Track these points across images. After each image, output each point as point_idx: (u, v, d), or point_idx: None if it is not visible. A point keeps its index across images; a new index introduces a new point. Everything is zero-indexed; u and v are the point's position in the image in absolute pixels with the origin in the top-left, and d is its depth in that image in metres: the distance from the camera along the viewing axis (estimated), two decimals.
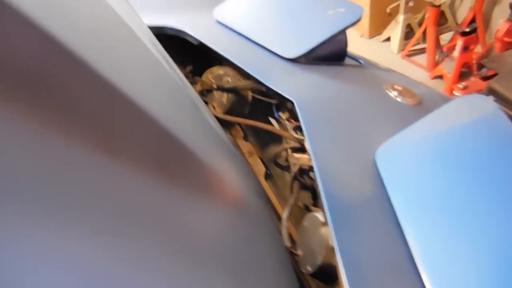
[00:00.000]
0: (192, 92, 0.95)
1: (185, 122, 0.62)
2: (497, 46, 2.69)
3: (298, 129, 1.06)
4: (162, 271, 0.34)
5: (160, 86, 0.60)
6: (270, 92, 1.09)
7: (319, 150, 0.77)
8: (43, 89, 0.29)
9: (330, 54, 1.18)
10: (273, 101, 1.13)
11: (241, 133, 1.53)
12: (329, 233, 0.70)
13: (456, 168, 0.67)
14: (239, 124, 1.49)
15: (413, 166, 0.72)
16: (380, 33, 3.83)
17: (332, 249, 0.71)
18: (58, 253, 0.27)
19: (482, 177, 0.65)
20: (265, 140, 1.39)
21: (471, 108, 0.77)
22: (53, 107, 0.31)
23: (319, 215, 0.79)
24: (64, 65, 0.32)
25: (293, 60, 1.12)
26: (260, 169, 1.39)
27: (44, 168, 0.29)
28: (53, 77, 0.31)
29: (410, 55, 3.48)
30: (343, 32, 1.16)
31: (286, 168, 1.20)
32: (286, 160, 1.18)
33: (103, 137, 0.36)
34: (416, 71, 3.27)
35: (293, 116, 1.09)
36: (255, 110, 1.29)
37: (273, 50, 1.16)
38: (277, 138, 1.35)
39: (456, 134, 0.72)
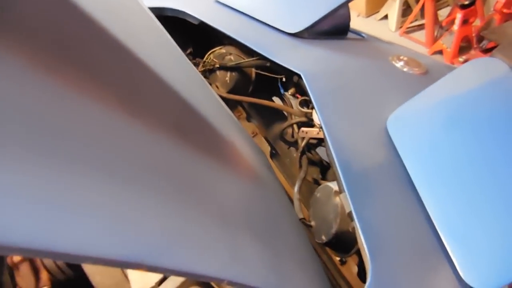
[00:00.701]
0: (197, 72, 0.95)
1: (200, 97, 0.62)
2: (497, 18, 2.67)
3: (304, 103, 1.06)
4: (191, 225, 0.34)
5: (175, 64, 0.60)
6: (274, 68, 1.08)
7: (329, 120, 0.77)
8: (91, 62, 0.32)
9: (333, 28, 1.17)
10: (278, 77, 1.12)
11: (244, 114, 1.52)
12: (343, 201, 0.70)
13: (470, 130, 0.67)
14: (242, 105, 1.48)
15: (426, 131, 0.72)
16: (377, 12, 3.79)
17: (346, 217, 0.72)
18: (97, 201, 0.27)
19: (497, 137, 0.65)
20: (269, 118, 1.38)
21: (482, 71, 0.77)
22: (90, 73, 0.32)
23: (331, 185, 0.80)
24: (103, 45, 0.35)
25: (296, 35, 1.11)
26: (265, 148, 1.39)
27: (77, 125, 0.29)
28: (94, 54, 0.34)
29: (408, 32, 3.45)
30: (345, 5, 1.15)
31: (293, 144, 1.20)
32: (292, 136, 1.18)
33: (127, 100, 0.36)
34: (415, 47, 3.25)
35: (299, 90, 1.08)
36: (258, 89, 1.28)
37: (275, 25, 1.14)
38: (281, 116, 1.34)
39: (468, 97, 0.72)
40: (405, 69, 1.00)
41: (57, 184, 0.23)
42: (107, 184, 0.27)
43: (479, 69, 0.78)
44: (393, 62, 1.02)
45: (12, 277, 0.88)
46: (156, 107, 0.41)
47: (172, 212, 0.33)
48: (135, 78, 0.38)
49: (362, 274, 0.90)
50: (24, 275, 0.90)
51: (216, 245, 0.36)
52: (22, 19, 0.27)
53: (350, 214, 0.66)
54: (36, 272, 0.90)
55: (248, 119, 1.49)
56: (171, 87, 0.45)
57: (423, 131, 0.73)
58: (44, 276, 0.89)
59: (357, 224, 0.62)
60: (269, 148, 1.38)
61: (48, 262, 0.89)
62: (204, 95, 0.71)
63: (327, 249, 0.94)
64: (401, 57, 1.04)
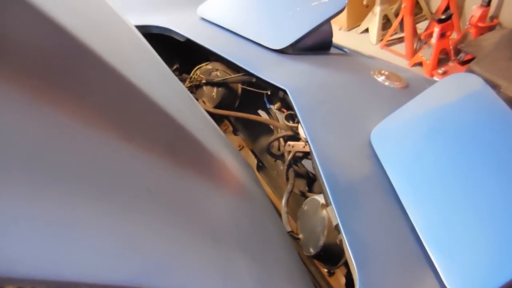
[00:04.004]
0: (184, 88, 0.96)
1: (188, 113, 0.63)
2: (472, 31, 2.78)
3: (290, 117, 1.08)
4: (186, 246, 0.35)
5: (164, 81, 0.62)
6: (260, 84, 1.10)
7: (315, 134, 0.79)
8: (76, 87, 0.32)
9: (316, 44, 1.20)
10: (264, 92, 1.15)
11: (230, 128, 1.54)
12: (330, 214, 0.72)
13: (449, 142, 0.70)
14: (228, 119, 1.50)
15: (407, 143, 0.75)
16: (358, 25, 3.89)
17: (334, 229, 0.73)
18: (93, 225, 0.28)
19: (474, 147, 0.68)
20: (256, 132, 1.40)
21: (460, 85, 0.80)
22: (77, 99, 0.32)
23: (318, 197, 0.81)
24: (87, 65, 0.35)
25: (281, 51, 1.14)
26: (252, 161, 1.40)
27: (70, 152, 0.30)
28: (80, 76, 0.34)
29: (389, 44, 3.55)
30: (327, 22, 1.18)
31: (279, 157, 1.22)
32: (279, 149, 1.20)
33: (119, 125, 0.37)
34: (395, 59, 3.33)
35: (285, 105, 1.10)
36: (244, 104, 1.30)
37: (260, 42, 1.17)
38: (267, 129, 1.36)
39: (448, 111, 0.75)
40: (386, 83, 1.03)
41: (55, 212, 0.24)
42: (105, 210, 0.28)
43: (456, 84, 0.81)
44: (375, 77, 1.06)
45: None
46: (148, 128, 0.42)
47: (168, 235, 0.34)
48: (126, 100, 0.39)
49: (350, 285, 0.91)
50: None
51: (209, 264, 0.37)
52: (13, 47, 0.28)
53: (337, 226, 0.67)
54: None
55: (235, 132, 1.50)
56: (161, 107, 0.46)
57: (405, 143, 0.75)
58: None
59: (344, 236, 0.63)
60: (255, 161, 1.40)
61: None
62: (191, 112, 0.73)
63: (315, 261, 0.95)
64: (383, 72, 1.08)
